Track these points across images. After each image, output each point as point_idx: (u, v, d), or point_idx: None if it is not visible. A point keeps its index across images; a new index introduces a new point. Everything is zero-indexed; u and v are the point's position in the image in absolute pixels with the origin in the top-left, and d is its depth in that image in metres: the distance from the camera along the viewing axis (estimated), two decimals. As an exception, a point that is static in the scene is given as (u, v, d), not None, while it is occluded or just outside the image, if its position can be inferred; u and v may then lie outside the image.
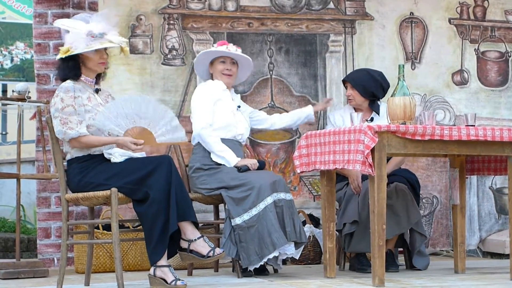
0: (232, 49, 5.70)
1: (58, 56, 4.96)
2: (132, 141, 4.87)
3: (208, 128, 5.58)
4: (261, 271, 5.49)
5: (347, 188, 5.79)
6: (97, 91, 5.04)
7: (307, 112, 6.03)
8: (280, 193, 5.41)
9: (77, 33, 4.91)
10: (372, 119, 5.86)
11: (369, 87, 5.84)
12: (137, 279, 5.41)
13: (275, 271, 5.59)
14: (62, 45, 5.02)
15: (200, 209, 6.19)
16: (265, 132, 6.58)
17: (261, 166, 5.60)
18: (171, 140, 4.98)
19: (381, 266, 4.84)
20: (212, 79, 5.78)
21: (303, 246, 5.51)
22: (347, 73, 6.43)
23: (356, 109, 5.92)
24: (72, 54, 4.89)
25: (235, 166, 5.52)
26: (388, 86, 5.92)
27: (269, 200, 5.34)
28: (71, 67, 4.95)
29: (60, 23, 5.03)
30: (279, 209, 5.38)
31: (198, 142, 5.66)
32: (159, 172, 4.76)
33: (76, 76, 4.97)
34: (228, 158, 5.54)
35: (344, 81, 6.00)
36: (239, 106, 5.78)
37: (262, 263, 5.35)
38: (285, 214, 5.38)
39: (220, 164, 5.56)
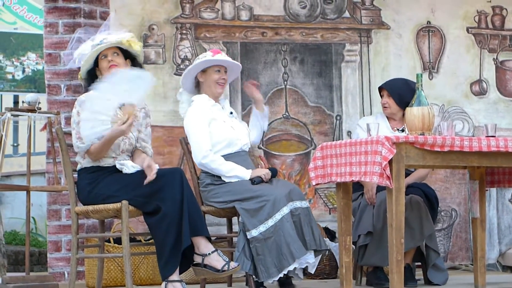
0: (228, 58, 5.57)
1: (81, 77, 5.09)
2: (122, 123, 4.79)
3: (209, 155, 5.39)
4: (287, 285, 5.37)
5: (361, 198, 5.70)
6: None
7: (254, 113, 5.78)
8: (296, 201, 5.31)
9: (84, 54, 5.02)
10: (403, 130, 5.76)
11: (405, 96, 5.72)
12: (148, 293, 5.32)
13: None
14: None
15: (213, 222, 6.10)
16: (280, 144, 6.49)
17: (274, 174, 5.48)
18: (146, 89, 4.92)
19: (400, 282, 4.73)
20: (198, 91, 5.59)
21: (322, 254, 5.39)
22: (365, 83, 6.35)
23: (389, 118, 5.83)
24: (81, 73, 5.02)
25: (249, 179, 5.40)
26: None
27: (285, 210, 5.23)
28: (93, 78, 5.02)
29: (78, 53, 5.12)
30: (296, 217, 5.27)
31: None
32: (171, 186, 4.69)
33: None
34: (240, 174, 5.41)
35: (380, 89, 5.90)
36: (231, 113, 5.64)
37: (282, 275, 5.23)
38: (303, 222, 5.28)
39: None
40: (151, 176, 4.74)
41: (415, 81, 5.84)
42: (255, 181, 5.36)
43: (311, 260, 5.29)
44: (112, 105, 4.81)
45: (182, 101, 5.63)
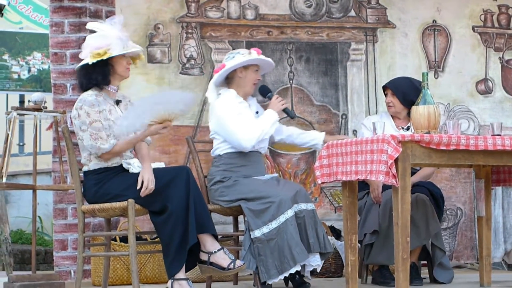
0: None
1: (88, 60, 4.83)
2: (160, 126, 4.77)
3: (249, 139, 5.41)
4: (301, 284, 5.39)
5: (367, 197, 5.69)
6: (117, 102, 4.95)
7: (318, 139, 5.79)
8: (301, 204, 5.31)
9: (110, 36, 4.85)
10: (408, 128, 5.76)
11: (410, 95, 5.72)
12: (154, 292, 5.32)
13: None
14: (78, 54, 4.96)
15: (219, 220, 6.10)
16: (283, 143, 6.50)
17: (292, 115, 5.61)
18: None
19: (405, 280, 4.72)
20: (227, 85, 5.60)
21: (328, 256, 5.40)
22: (370, 82, 6.34)
23: (394, 117, 5.83)
24: (110, 56, 4.81)
25: (283, 111, 5.53)
26: None
27: (289, 213, 5.23)
28: (105, 72, 4.87)
29: (93, 26, 4.96)
30: (301, 220, 5.27)
31: (218, 154, 5.54)
32: (178, 184, 4.68)
33: (105, 82, 4.89)
34: (270, 121, 5.45)
35: (384, 88, 5.89)
36: (257, 112, 5.64)
37: (296, 276, 5.26)
38: (308, 224, 5.28)
39: (239, 177, 5.44)
40: (144, 191, 4.75)
41: (419, 79, 5.85)
42: (286, 110, 5.55)
43: (314, 263, 5.31)
44: (154, 111, 4.76)
45: (211, 90, 5.64)
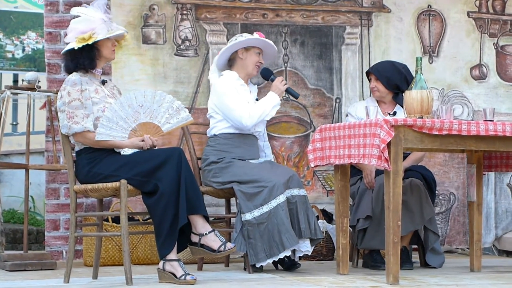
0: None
1: (74, 45, 4.85)
2: (139, 139, 4.80)
3: (250, 117, 5.45)
4: (292, 266, 5.42)
5: (360, 183, 5.70)
6: (103, 82, 4.98)
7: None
8: (293, 189, 5.33)
9: (94, 21, 4.88)
10: (395, 113, 5.77)
11: (393, 79, 5.74)
12: (146, 273, 5.33)
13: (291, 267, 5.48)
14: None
15: (211, 203, 6.11)
16: (279, 126, 6.48)
17: (295, 95, 5.71)
18: (178, 124, 4.87)
19: (396, 264, 4.74)
20: (229, 68, 5.62)
21: (318, 242, 5.43)
22: (365, 66, 6.34)
23: (379, 102, 5.83)
24: (96, 40, 4.83)
25: (286, 91, 5.62)
26: (412, 79, 5.80)
27: (281, 198, 5.24)
28: (91, 56, 4.89)
29: (77, 11, 4.97)
30: (293, 205, 5.29)
31: (214, 134, 5.55)
32: (169, 165, 4.68)
33: (92, 66, 4.92)
34: (271, 103, 5.52)
35: (368, 73, 5.90)
36: (257, 99, 5.65)
37: (286, 259, 5.30)
38: (299, 210, 5.30)
39: (234, 159, 5.45)
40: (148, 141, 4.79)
41: (403, 63, 5.88)
42: (289, 89, 5.64)
43: (304, 249, 5.34)
44: (138, 118, 4.80)
45: (213, 71, 5.69)
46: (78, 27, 4.90)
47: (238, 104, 5.44)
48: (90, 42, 4.83)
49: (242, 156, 5.51)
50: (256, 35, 5.60)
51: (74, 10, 4.99)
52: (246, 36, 5.58)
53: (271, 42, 5.65)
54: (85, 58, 4.87)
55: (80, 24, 4.91)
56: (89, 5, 4.99)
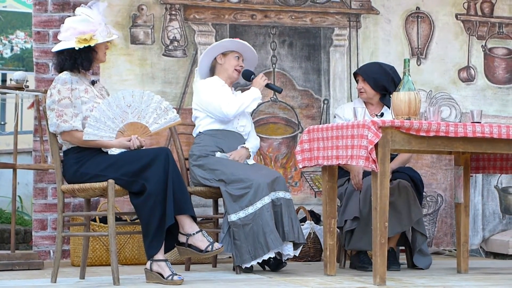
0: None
1: (75, 45, 4.83)
2: (126, 139, 4.81)
3: (229, 105, 5.52)
4: (278, 265, 5.43)
5: (348, 184, 5.71)
6: (93, 83, 4.97)
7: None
8: (279, 192, 5.35)
9: (94, 23, 4.89)
10: (382, 114, 5.78)
11: (381, 80, 5.76)
12: (133, 273, 5.33)
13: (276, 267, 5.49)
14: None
15: (199, 203, 6.11)
16: (267, 127, 6.49)
17: (277, 89, 5.83)
18: (166, 124, 4.88)
19: (383, 265, 4.75)
20: (212, 75, 5.71)
21: (301, 247, 5.45)
22: (353, 67, 6.35)
23: (366, 103, 5.85)
24: (97, 42, 4.84)
25: (267, 86, 5.72)
26: (400, 80, 5.82)
27: (266, 199, 5.27)
28: (90, 57, 4.90)
29: (81, 11, 4.96)
30: (278, 208, 5.32)
31: (200, 132, 5.59)
32: (156, 165, 4.68)
33: (89, 67, 4.95)
34: (251, 96, 5.61)
35: (355, 74, 5.91)
36: None
37: (271, 260, 5.32)
38: (284, 213, 5.32)
39: (219, 151, 5.50)
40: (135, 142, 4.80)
41: (390, 64, 5.90)
42: (269, 84, 5.76)
43: (286, 252, 5.36)
44: (126, 118, 4.80)
45: (196, 80, 5.81)
46: (77, 26, 4.89)
47: (217, 94, 5.55)
48: (92, 44, 4.84)
49: (227, 149, 5.56)
50: (234, 39, 5.74)
51: (79, 11, 4.98)
52: (222, 40, 5.72)
53: (246, 43, 5.72)
54: (84, 59, 4.88)
55: (79, 24, 4.89)
56: (86, 5, 4.98)
